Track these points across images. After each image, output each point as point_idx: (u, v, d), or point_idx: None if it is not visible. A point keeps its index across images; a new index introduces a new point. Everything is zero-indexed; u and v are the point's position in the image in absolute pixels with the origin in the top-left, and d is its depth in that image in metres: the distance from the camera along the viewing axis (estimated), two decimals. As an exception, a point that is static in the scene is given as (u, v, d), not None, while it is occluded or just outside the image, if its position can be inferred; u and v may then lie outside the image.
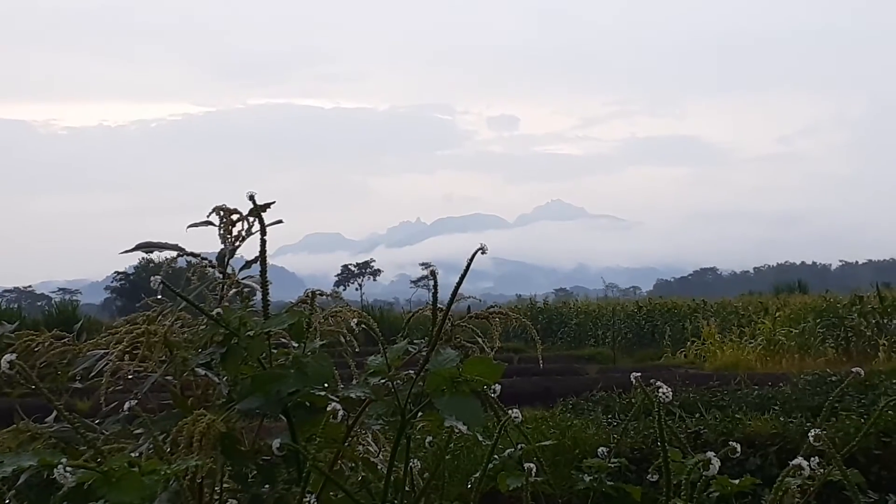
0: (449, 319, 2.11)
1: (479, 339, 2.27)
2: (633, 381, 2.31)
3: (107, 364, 2.04)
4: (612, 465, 2.56)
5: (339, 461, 2.10)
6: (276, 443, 1.92)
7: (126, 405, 2.05)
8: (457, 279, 2.01)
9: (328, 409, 1.87)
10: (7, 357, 1.75)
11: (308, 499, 1.90)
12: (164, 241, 2.25)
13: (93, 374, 2.09)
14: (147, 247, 2.26)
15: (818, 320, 23.85)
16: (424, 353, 2.03)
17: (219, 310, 1.99)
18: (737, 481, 2.16)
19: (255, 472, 2.00)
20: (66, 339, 2.28)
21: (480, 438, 2.17)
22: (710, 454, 1.92)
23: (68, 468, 1.52)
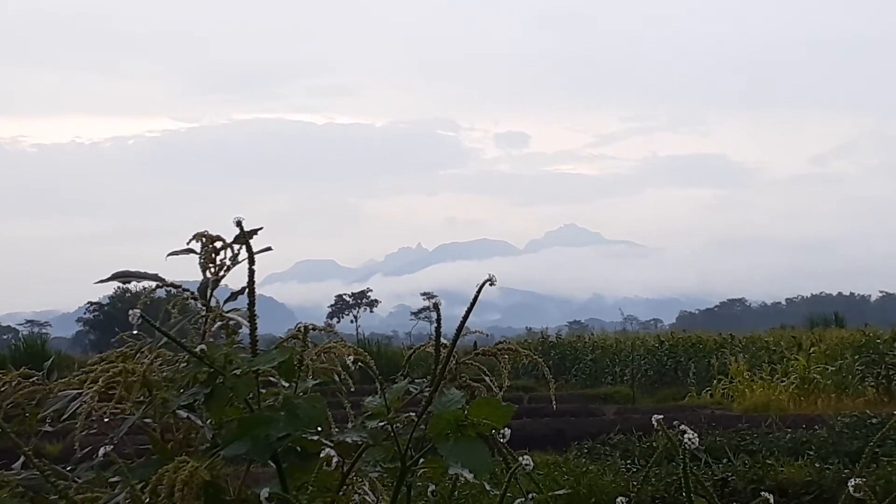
0: (453, 356, 2.11)
1: (487, 378, 2.27)
2: (655, 423, 2.30)
3: (80, 405, 2.04)
4: (632, 517, 2.55)
5: (333, 512, 2.09)
6: (264, 492, 1.91)
7: (101, 450, 2.04)
8: (461, 311, 2.01)
9: (321, 454, 1.86)
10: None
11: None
12: (142, 270, 2.26)
13: (64, 416, 2.09)
14: (123, 276, 2.26)
15: (857, 357, 23.79)
16: (427, 394, 2.02)
17: (202, 346, 1.99)
18: (769, 534, 2.15)
19: (242, 523, 2.00)
20: (35, 378, 2.27)
21: (488, 487, 2.16)
22: (740, 505, 1.91)
23: (37, 520, 1.51)
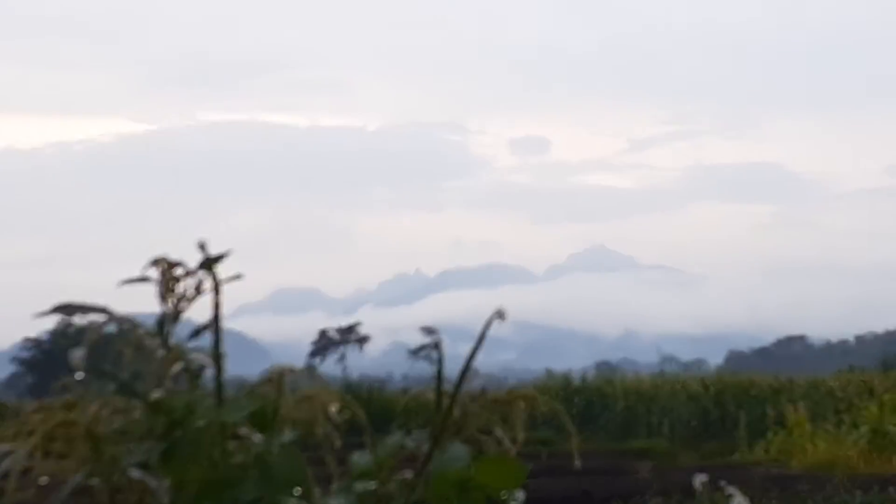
0: (458, 403, 2.11)
1: (497, 430, 2.27)
2: (698, 484, 2.30)
3: (13, 463, 2.04)
4: None
5: (315, 590, 2.09)
6: (232, 566, 1.91)
7: (38, 517, 2.04)
8: (467, 348, 2.01)
9: (300, 521, 1.86)
10: None
11: None
12: (88, 301, 2.26)
13: (-5, 475, 2.09)
14: (67, 309, 2.27)
15: (940, 405, 23.77)
16: (426, 449, 2.02)
17: (159, 392, 1.99)
18: None
19: None
20: (-40, 430, 2.27)
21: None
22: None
23: None
